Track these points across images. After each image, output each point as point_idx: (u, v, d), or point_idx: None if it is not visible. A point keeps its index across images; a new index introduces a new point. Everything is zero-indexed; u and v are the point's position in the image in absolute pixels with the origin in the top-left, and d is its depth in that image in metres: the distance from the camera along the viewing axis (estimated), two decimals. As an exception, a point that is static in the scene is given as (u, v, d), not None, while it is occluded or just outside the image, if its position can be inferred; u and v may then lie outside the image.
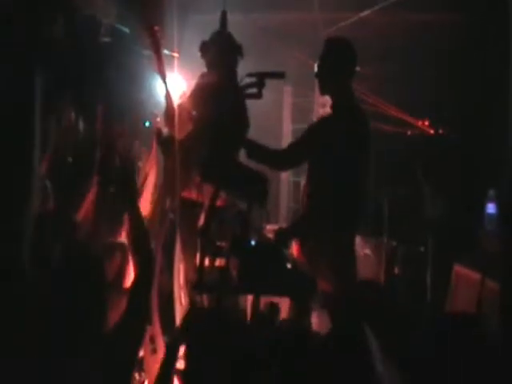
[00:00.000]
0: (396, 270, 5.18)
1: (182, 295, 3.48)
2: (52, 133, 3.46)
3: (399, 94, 5.58)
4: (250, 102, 3.48)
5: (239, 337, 2.13)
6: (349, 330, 2.15)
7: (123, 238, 3.65)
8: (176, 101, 3.37)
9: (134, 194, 2.51)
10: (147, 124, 3.91)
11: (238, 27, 3.55)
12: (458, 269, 4.69)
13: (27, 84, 1.43)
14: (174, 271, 3.44)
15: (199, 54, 3.45)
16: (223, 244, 3.24)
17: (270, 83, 3.38)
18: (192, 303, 3.26)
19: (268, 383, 1.78)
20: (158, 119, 3.84)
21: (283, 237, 3.48)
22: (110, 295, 2.27)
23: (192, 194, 3.48)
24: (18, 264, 2.28)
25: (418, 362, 2.41)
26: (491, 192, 4.81)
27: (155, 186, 3.80)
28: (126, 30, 4.00)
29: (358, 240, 3.82)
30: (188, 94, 3.54)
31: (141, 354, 3.00)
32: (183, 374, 2.19)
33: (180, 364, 2.39)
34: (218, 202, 3.30)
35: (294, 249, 3.65)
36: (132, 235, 2.43)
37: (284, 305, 3.50)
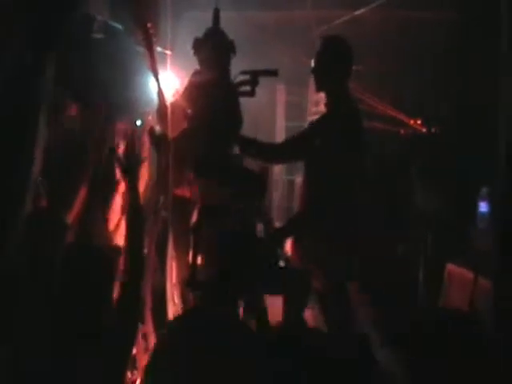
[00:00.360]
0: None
1: (175, 293, 3.48)
2: (45, 131, 3.44)
3: (393, 92, 5.58)
4: (243, 100, 3.47)
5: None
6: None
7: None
8: (169, 98, 3.36)
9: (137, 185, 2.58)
10: (139, 122, 3.89)
11: (230, 25, 3.53)
12: (451, 267, 4.70)
13: (31, 82, 1.42)
14: (167, 269, 3.44)
15: (192, 51, 3.43)
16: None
17: (263, 81, 3.37)
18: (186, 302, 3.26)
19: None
20: (151, 117, 3.83)
21: (279, 236, 3.48)
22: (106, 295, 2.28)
23: (185, 192, 3.47)
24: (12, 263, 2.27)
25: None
26: (484, 190, 4.82)
27: (146, 182, 3.79)
28: (119, 26, 3.98)
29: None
30: (181, 91, 3.52)
31: (134, 352, 2.99)
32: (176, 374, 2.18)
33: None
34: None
35: (288, 247, 3.65)
36: (128, 224, 2.46)
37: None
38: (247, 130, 3.59)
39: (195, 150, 3.33)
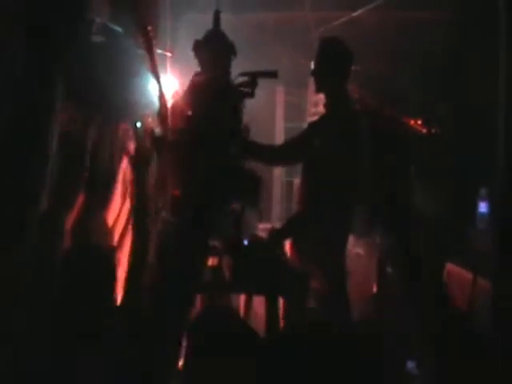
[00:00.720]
0: (388, 270, 5.18)
1: None
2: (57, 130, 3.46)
3: (391, 92, 5.59)
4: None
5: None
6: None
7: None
8: (169, 100, 3.36)
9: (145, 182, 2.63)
10: (138, 125, 3.89)
11: (230, 27, 3.55)
12: (450, 267, 4.70)
13: (43, 81, 1.42)
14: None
15: (192, 53, 3.45)
16: (216, 243, 3.24)
17: (262, 82, 3.38)
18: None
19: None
20: (151, 119, 3.83)
21: (277, 236, 3.49)
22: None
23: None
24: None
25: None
26: (483, 191, 4.82)
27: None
28: (119, 29, 3.98)
29: (350, 239, 3.83)
30: (181, 93, 3.53)
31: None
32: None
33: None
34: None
35: (287, 248, 3.66)
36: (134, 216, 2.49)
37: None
38: (246, 131, 3.60)
39: (195, 152, 3.34)
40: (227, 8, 3.65)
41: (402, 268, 3.54)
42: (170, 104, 3.33)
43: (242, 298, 3.58)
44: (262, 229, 4.19)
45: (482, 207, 4.78)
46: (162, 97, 3.25)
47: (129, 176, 3.69)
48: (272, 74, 3.41)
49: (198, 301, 3.33)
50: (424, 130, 4.41)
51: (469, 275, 4.20)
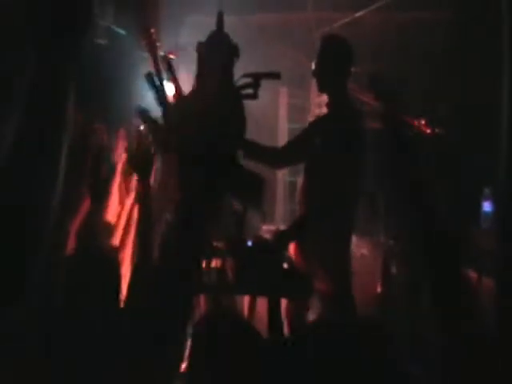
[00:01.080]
0: (393, 270, 5.18)
1: None
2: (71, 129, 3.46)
3: (393, 93, 5.58)
4: (245, 103, 3.49)
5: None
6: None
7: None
8: (173, 102, 3.37)
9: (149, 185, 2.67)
10: (142, 127, 3.88)
11: (233, 28, 3.55)
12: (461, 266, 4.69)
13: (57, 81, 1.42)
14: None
15: (196, 55, 3.45)
16: (219, 245, 3.24)
17: (265, 84, 3.38)
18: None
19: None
20: (154, 121, 3.84)
21: (283, 238, 3.46)
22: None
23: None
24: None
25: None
26: (487, 190, 4.82)
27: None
28: (122, 31, 4.00)
29: (354, 240, 3.83)
30: (184, 95, 3.54)
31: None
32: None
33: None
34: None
35: (291, 249, 3.66)
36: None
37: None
38: (250, 132, 3.61)
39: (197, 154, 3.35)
40: (230, 10, 3.65)
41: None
42: (173, 106, 3.33)
43: (246, 299, 3.58)
44: (266, 230, 4.20)
45: (486, 206, 4.78)
46: (165, 99, 3.26)
47: (131, 179, 3.71)
48: (275, 76, 3.41)
49: (202, 302, 3.33)
50: (428, 130, 4.40)
51: (473, 274, 4.20)
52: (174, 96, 3.58)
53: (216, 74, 3.38)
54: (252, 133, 3.65)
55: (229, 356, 1.97)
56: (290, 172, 6.92)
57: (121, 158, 3.48)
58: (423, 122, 4.38)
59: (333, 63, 3.50)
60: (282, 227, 3.79)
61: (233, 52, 3.44)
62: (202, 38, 3.47)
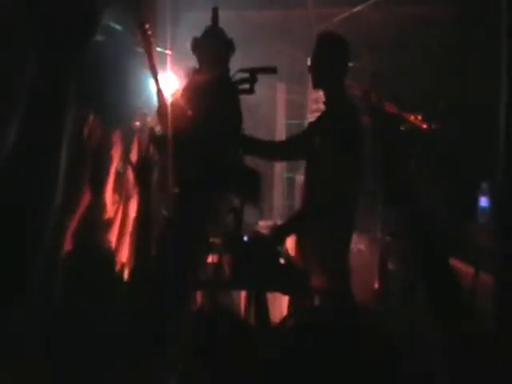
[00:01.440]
0: (390, 266, 5.19)
1: None
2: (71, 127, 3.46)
3: (392, 88, 5.58)
4: (242, 98, 3.48)
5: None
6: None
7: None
8: (168, 98, 3.37)
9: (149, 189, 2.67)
10: (138, 124, 3.89)
11: (230, 24, 3.54)
12: (452, 262, 4.69)
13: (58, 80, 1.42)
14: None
15: (191, 50, 3.45)
16: (216, 240, 3.25)
17: (263, 79, 3.38)
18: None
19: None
20: (150, 118, 3.84)
21: (279, 233, 3.47)
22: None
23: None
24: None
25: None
26: (484, 185, 4.82)
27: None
28: (119, 27, 3.99)
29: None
30: (180, 91, 3.53)
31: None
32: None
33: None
34: None
35: (289, 244, 3.66)
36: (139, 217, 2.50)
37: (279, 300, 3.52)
38: (247, 127, 3.61)
39: (195, 150, 3.35)
40: (228, 6, 3.65)
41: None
42: (169, 102, 3.33)
43: (243, 294, 3.58)
44: (264, 226, 4.20)
45: (483, 202, 4.78)
46: (161, 95, 3.26)
47: (130, 176, 3.71)
48: (271, 70, 3.40)
49: (198, 298, 3.33)
50: (424, 126, 4.40)
51: (470, 270, 4.20)
52: (173, 95, 3.56)
53: (211, 68, 3.38)
54: (250, 128, 3.65)
55: (227, 355, 1.98)
56: (288, 168, 6.93)
57: (116, 157, 3.47)
58: (419, 118, 4.38)
59: (328, 60, 3.48)
60: (280, 223, 3.79)
61: (228, 46, 3.43)
62: (198, 34, 3.46)
